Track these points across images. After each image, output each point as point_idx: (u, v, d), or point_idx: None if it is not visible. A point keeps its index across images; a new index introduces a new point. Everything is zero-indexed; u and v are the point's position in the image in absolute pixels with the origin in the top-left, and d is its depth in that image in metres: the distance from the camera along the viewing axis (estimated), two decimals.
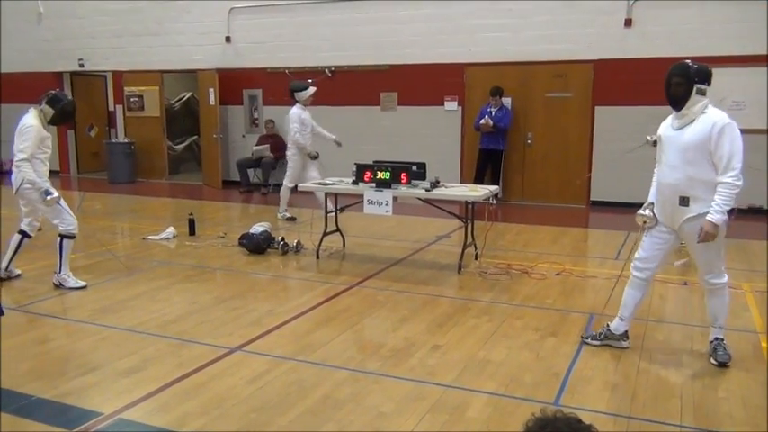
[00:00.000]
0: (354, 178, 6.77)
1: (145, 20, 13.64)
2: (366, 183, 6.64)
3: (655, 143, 7.59)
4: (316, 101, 12.23)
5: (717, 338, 4.28)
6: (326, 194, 7.21)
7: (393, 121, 11.82)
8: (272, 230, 7.59)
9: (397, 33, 11.56)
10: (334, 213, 7.32)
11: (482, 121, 10.38)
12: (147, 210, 10.76)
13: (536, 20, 10.63)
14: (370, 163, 6.88)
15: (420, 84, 11.50)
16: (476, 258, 6.87)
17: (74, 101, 6.02)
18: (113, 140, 14.53)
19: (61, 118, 5.83)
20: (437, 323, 5.00)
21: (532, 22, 10.65)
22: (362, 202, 6.60)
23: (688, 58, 4.11)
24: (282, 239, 7.33)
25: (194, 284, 6.16)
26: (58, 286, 5.84)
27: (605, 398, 3.75)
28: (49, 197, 5.58)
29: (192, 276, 6.43)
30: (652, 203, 4.33)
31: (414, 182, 6.64)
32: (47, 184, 5.64)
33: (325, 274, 6.51)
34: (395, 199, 6.56)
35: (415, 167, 6.78)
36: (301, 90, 8.98)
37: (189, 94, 15.67)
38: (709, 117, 3.96)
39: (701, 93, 3.99)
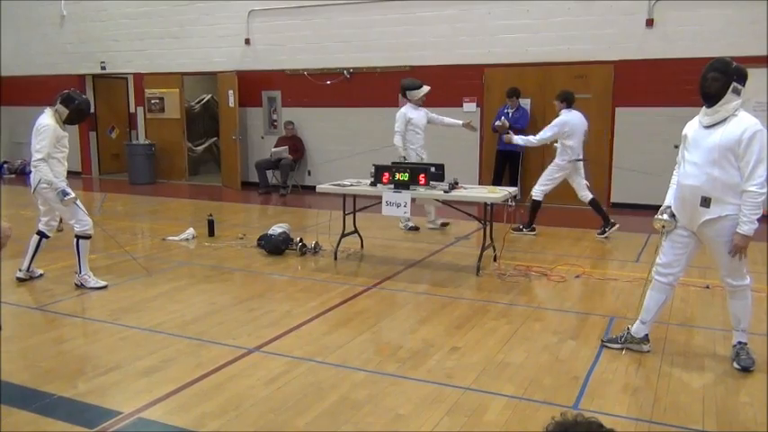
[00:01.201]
0: (373, 179, 6.77)
1: (166, 23, 13.77)
2: (384, 184, 6.63)
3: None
4: (333, 102, 12.35)
5: (740, 342, 4.20)
6: (345, 196, 7.18)
7: None
8: (290, 232, 7.61)
9: (415, 35, 11.55)
10: (352, 215, 7.32)
11: (498, 123, 10.23)
12: (166, 211, 10.84)
13: (555, 20, 10.56)
14: (389, 164, 6.87)
15: (438, 85, 11.42)
16: (494, 260, 6.84)
17: (87, 99, 6.00)
18: (134, 142, 14.69)
19: (77, 117, 5.85)
20: (455, 325, 4.97)
21: (552, 22, 10.58)
22: (381, 203, 6.59)
23: (712, 59, 4.04)
24: (301, 240, 7.35)
25: (213, 285, 6.20)
26: (80, 286, 5.89)
27: (626, 402, 3.70)
28: (66, 197, 5.64)
29: (211, 277, 6.46)
30: (670, 207, 4.27)
31: (432, 183, 6.62)
32: (63, 185, 5.68)
33: (343, 276, 6.51)
34: (413, 200, 6.55)
35: (433, 169, 6.77)
36: (415, 88, 8.48)
37: (208, 96, 15.77)
38: (741, 120, 3.88)
39: (737, 92, 3.89)
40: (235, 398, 3.72)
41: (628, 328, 4.48)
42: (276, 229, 7.49)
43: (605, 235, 8.24)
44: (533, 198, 8.32)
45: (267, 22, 12.83)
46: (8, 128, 15.82)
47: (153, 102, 14.39)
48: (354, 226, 7.42)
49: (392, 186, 6.56)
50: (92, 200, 11.27)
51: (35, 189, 5.77)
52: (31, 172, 5.82)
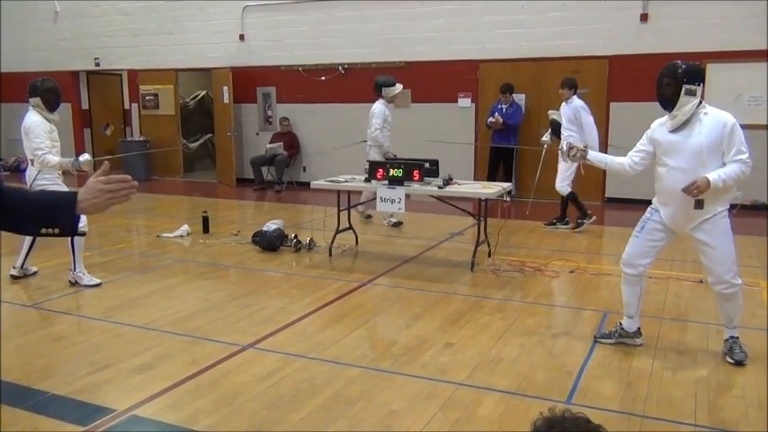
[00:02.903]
0: (367, 176, 6.76)
1: (161, 19, 13.72)
2: (379, 180, 6.63)
3: (549, 143, 7.54)
4: (328, 97, 12.33)
5: (732, 337, 4.23)
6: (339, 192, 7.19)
7: (406, 118, 11.77)
8: (284, 228, 7.60)
9: (410, 30, 11.53)
10: (347, 211, 7.32)
11: (491, 119, 10.24)
12: (161, 207, 10.82)
13: (550, 15, 10.55)
14: (383, 160, 6.86)
15: (433, 81, 11.47)
16: (489, 256, 6.84)
17: (47, 78, 5.96)
18: (129, 138, 14.64)
19: (52, 96, 5.79)
20: (449, 321, 4.98)
21: (546, 17, 10.58)
22: (375, 199, 6.59)
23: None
24: (295, 237, 7.34)
25: (207, 282, 6.19)
26: (74, 284, 5.89)
27: (618, 397, 3.72)
28: (83, 159, 5.68)
29: (206, 274, 6.46)
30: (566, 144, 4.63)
31: (426, 179, 6.62)
32: (69, 159, 5.72)
33: (338, 272, 6.51)
34: (407, 196, 6.55)
35: (427, 165, 6.77)
36: (390, 86, 8.50)
37: (203, 93, 15.73)
38: (717, 117, 3.96)
39: (691, 93, 3.96)
40: (229, 394, 3.73)
41: (619, 324, 4.50)
42: (271, 226, 7.48)
43: (579, 228, 8.40)
44: (564, 193, 8.28)
45: (262, 18, 12.79)
46: (2, 125, 15.76)
47: (147, 98, 14.34)
48: (349, 222, 7.42)
49: (386, 182, 6.56)
50: None
51: (31, 186, 5.74)
52: (26, 169, 5.81)
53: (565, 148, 4.57)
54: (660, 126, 4.18)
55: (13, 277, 6.03)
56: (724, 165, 3.93)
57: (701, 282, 5.95)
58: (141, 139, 14.24)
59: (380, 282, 6.11)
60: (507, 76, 10.65)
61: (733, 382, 3.91)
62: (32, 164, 5.79)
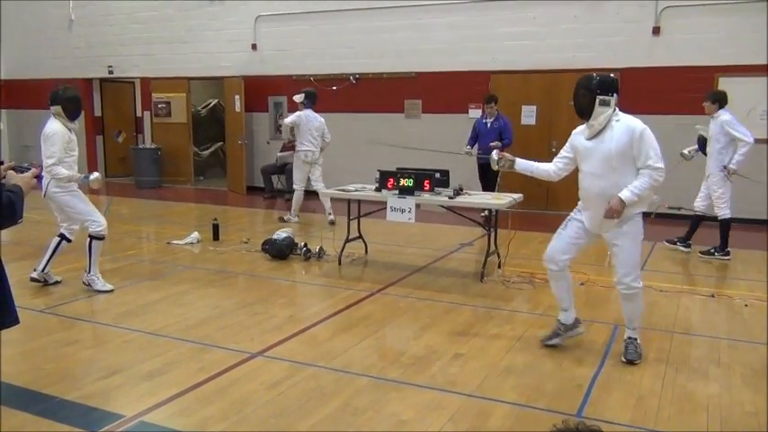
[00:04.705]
0: (377, 185, 6.77)
1: (174, 27, 13.84)
2: (389, 190, 6.63)
3: (691, 157, 7.39)
4: (339, 107, 12.37)
5: (630, 338, 4.42)
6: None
7: (417, 129, 11.81)
8: (294, 236, 7.61)
9: (421, 41, 11.57)
10: (356, 220, 7.32)
11: (492, 144, 8.71)
12: (172, 214, 10.87)
13: (562, 28, 10.57)
14: (394, 170, 6.87)
15: (444, 91, 11.49)
16: (498, 267, 6.82)
17: (69, 86, 5.96)
18: (140, 146, 14.73)
19: (72, 105, 5.76)
20: (459, 331, 4.96)
21: (558, 30, 10.59)
22: (385, 209, 6.59)
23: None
24: (305, 245, 7.35)
25: (217, 289, 6.20)
26: (87, 286, 5.89)
27: (629, 410, 3.68)
28: (92, 177, 5.65)
29: (215, 281, 6.47)
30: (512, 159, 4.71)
31: (437, 189, 6.62)
32: (80, 175, 5.71)
33: (347, 281, 6.50)
34: (418, 206, 6.54)
35: (438, 175, 6.77)
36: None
37: (215, 101, 15.83)
38: (626, 124, 4.14)
39: (605, 104, 4.14)
40: (237, 402, 3.72)
41: (558, 320, 4.67)
42: (281, 234, 7.49)
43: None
44: (722, 218, 7.37)
45: (274, 28, 12.88)
46: (16, 131, 15.91)
47: (160, 106, 14.44)
48: (359, 231, 7.42)
49: (397, 192, 6.56)
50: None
51: (46, 193, 5.76)
52: (42, 177, 5.82)
53: (495, 157, 4.77)
54: (579, 134, 4.38)
55: (33, 280, 6.00)
56: (638, 170, 4.09)
57: (713, 296, 5.92)
58: (153, 146, 14.33)
59: (390, 291, 6.10)
60: (518, 88, 10.65)
61: (745, 398, 3.87)
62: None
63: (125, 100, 15.62)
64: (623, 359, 4.35)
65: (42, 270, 6.02)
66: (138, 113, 15.33)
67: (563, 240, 4.49)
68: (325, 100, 12.43)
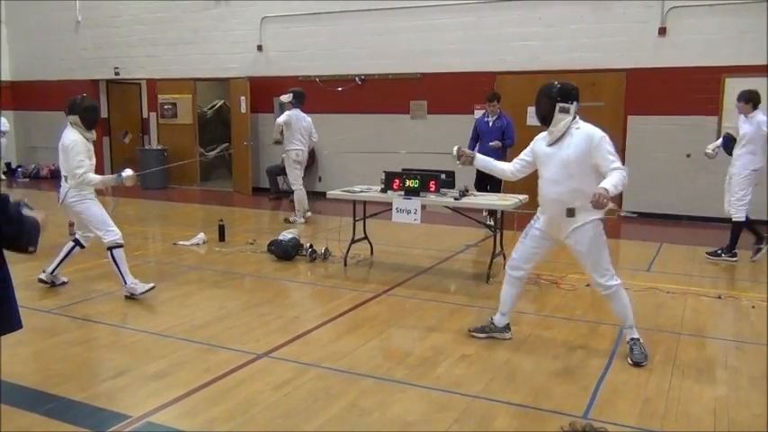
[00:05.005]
0: (383, 186, 6.77)
1: (180, 29, 13.88)
2: (395, 191, 6.63)
3: (714, 155, 7.26)
4: (345, 108, 12.38)
5: (632, 339, 4.42)
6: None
7: (422, 129, 11.82)
8: (300, 237, 7.62)
9: (427, 42, 11.57)
10: (362, 221, 7.32)
11: (491, 144, 8.87)
12: (178, 215, 10.90)
13: (567, 28, 10.55)
14: (399, 171, 6.87)
15: (450, 92, 11.49)
16: (504, 268, 6.80)
17: (86, 96, 5.90)
18: (147, 147, 14.77)
19: (90, 115, 5.71)
20: (465, 333, 4.95)
21: (564, 30, 10.57)
22: (391, 210, 6.59)
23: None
24: (311, 246, 7.36)
25: (223, 290, 6.22)
26: (130, 297, 5.74)
27: (636, 412, 3.67)
28: (125, 175, 5.65)
29: (221, 282, 6.48)
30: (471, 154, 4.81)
31: (442, 190, 6.61)
32: (112, 175, 5.75)
33: (353, 282, 6.51)
34: (423, 207, 6.54)
35: (443, 176, 6.76)
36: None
37: (221, 102, 15.86)
38: (586, 131, 4.22)
39: (564, 111, 4.24)
40: (243, 403, 3.73)
41: (491, 319, 4.79)
42: (286, 235, 7.50)
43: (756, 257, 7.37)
44: (736, 220, 7.18)
45: (280, 29, 12.90)
46: (23, 132, 15.97)
47: (166, 107, 14.49)
48: (364, 232, 7.43)
49: (402, 193, 6.56)
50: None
51: (62, 201, 5.72)
52: (61, 180, 5.76)
53: (455, 152, 4.84)
54: (541, 140, 4.46)
55: (41, 281, 6.00)
56: (605, 174, 4.12)
57: (720, 298, 5.90)
58: (159, 147, 14.37)
59: (395, 292, 6.10)
60: (524, 89, 10.61)
61: (753, 400, 3.85)
62: (66, 180, 5.69)
63: (131, 101, 15.68)
64: (630, 361, 4.34)
65: (52, 272, 6.01)
66: (145, 115, 15.38)
67: (525, 250, 4.60)
68: (330, 101, 12.48)
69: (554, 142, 4.31)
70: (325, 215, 9.74)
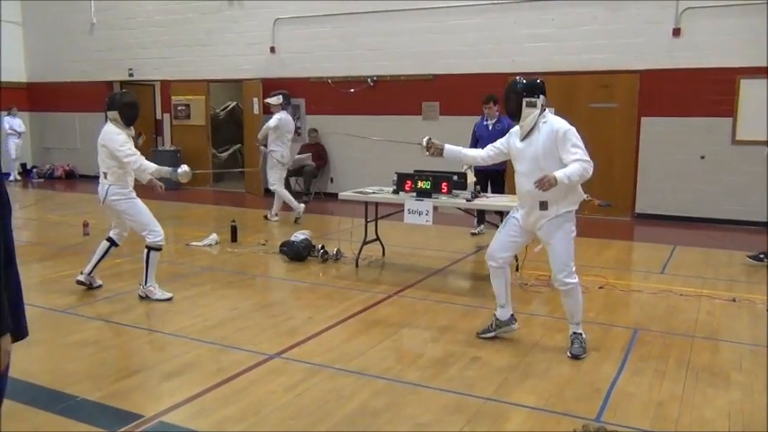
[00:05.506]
0: (395, 187, 6.77)
1: (194, 31, 13.96)
2: (407, 192, 6.63)
3: None
4: (357, 109, 12.40)
5: (575, 333, 4.55)
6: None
7: (434, 131, 11.72)
8: (312, 238, 7.63)
9: (439, 43, 11.57)
10: (374, 222, 7.33)
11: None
12: (190, 216, 10.95)
13: (581, 29, 10.51)
14: (411, 172, 6.87)
15: (462, 94, 11.46)
16: (516, 270, 6.77)
17: (126, 91, 5.79)
18: (160, 148, 14.86)
19: (130, 110, 5.59)
20: (476, 335, 4.94)
21: (577, 31, 10.53)
22: (403, 211, 6.59)
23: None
24: (322, 247, 7.37)
25: (235, 291, 6.24)
26: (144, 298, 5.76)
27: (649, 415, 3.64)
28: (181, 171, 5.69)
29: (233, 283, 6.51)
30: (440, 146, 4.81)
31: (454, 191, 6.60)
32: (168, 168, 5.72)
33: (365, 283, 6.51)
34: (435, 209, 6.53)
35: (456, 177, 6.75)
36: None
37: (234, 104, 15.93)
38: (552, 124, 4.30)
39: (531, 105, 4.33)
40: (255, 403, 3.74)
41: (494, 315, 4.82)
42: (298, 236, 7.52)
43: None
44: None
45: (292, 31, 12.94)
46: (38, 133, 16.12)
47: (179, 108, 14.57)
48: (376, 233, 7.43)
49: (414, 194, 6.56)
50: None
51: (104, 200, 5.67)
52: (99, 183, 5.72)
53: (424, 143, 4.87)
54: (515, 135, 4.53)
55: (79, 283, 5.97)
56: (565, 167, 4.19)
57: (734, 300, 5.85)
58: (173, 148, 14.45)
59: (407, 294, 6.10)
60: None
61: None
62: (105, 177, 5.61)
63: (145, 102, 15.71)
64: (569, 354, 4.46)
65: (89, 273, 5.98)
66: (158, 116, 15.48)
67: (502, 239, 4.67)
68: (342, 102, 12.50)
69: (525, 137, 4.39)
70: (337, 216, 9.74)
